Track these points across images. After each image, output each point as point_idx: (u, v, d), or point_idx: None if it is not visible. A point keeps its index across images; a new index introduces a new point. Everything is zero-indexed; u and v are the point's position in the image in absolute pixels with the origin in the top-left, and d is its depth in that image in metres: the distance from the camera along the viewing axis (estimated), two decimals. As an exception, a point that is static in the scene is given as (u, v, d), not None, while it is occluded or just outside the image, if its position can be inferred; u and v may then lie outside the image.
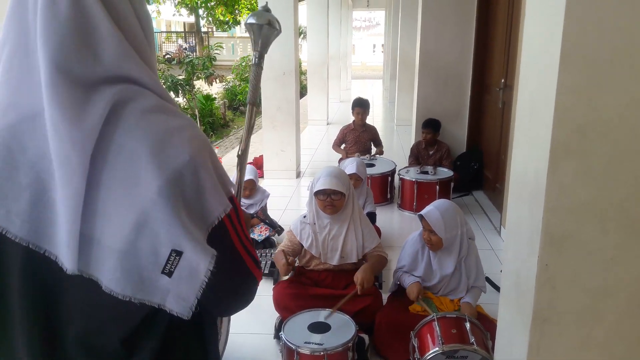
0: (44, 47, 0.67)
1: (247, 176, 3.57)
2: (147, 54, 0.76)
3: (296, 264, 2.69)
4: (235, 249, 0.79)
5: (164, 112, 0.73)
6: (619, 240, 1.38)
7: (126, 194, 0.68)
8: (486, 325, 2.19)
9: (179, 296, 0.71)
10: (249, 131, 1.41)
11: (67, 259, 0.69)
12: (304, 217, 2.69)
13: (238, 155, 1.43)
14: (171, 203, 0.68)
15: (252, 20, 1.39)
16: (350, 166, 3.69)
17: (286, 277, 2.76)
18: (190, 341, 0.82)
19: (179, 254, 0.69)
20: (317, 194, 2.57)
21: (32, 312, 0.74)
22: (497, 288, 2.86)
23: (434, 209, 2.47)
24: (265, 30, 1.38)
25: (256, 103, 1.41)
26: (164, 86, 7.49)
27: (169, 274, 0.70)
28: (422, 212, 2.51)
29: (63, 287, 0.73)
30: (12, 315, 0.75)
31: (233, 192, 0.80)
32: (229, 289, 0.80)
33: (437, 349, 2.01)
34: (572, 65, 1.25)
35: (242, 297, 0.84)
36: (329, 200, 2.56)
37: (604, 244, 1.39)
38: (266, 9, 1.42)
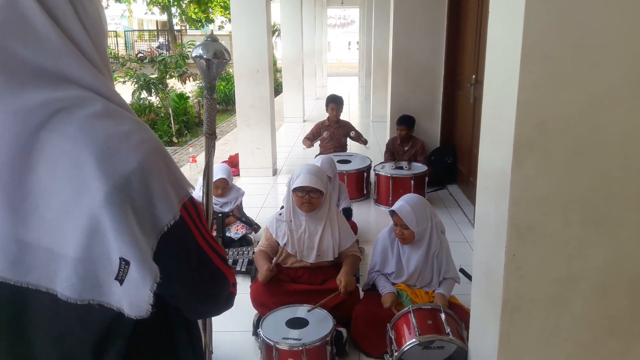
0: None
1: (220, 175, 3.55)
2: (92, 55, 0.73)
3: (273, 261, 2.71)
4: (201, 248, 0.78)
5: (111, 117, 0.70)
6: (581, 231, 1.44)
7: (74, 202, 0.66)
8: (461, 315, 2.24)
9: (132, 303, 0.70)
10: (210, 164, 1.38)
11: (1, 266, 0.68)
12: (280, 214, 2.71)
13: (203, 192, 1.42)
14: (118, 210, 0.67)
15: (199, 53, 1.35)
16: (317, 163, 3.68)
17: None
18: (159, 344, 0.81)
19: (127, 263, 0.68)
20: (296, 190, 2.58)
21: None
22: (471, 278, 2.93)
23: (404, 203, 2.51)
24: (214, 63, 1.35)
25: (214, 134, 1.38)
26: (138, 85, 7.31)
27: (121, 281, 0.69)
28: (393, 208, 2.54)
29: (21, 293, 0.71)
30: None
31: (191, 192, 0.79)
32: (199, 289, 0.80)
33: (414, 340, 2.05)
34: (532, 64, 1.30)
35: (216, 298, 0.84)
36: (307, 198, 2.57)
37: (568, 235, 1.45)
38: (213, 39, 1.38)
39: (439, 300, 2.39)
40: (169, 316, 0.78)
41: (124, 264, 0.68)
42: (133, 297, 0.70)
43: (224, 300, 0.86)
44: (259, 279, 2.51)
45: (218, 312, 0.88)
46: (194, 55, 1.37)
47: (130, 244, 0.68)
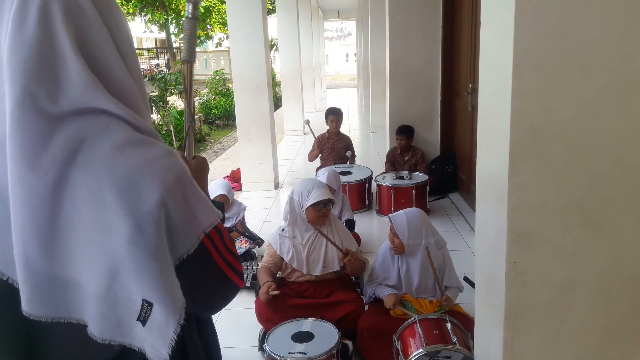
0: (8, 71, 0.66)
1: (220, 191, 3.57)
2: (126, 82, 0.73)
3: (277, 275, 2.71)
4: (219, 268, 0.78)
5: (134, 145, 0.70)
6: (580, 235, 1.45)
7: (98, 238, 0.66)
8: (466, 324, 2.24)
9: (152, 346, 0.70)
10: (189, 92, 1.29)
11: (25, 300, 0.68)
12: (282, 230, 2.72)
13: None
14: (141, 251, 0.66)
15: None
16: (322, 177, 3.69)
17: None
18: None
19: (150, 304, 0.67)
20: (314, 206, 2.60)
21: (14, 341, 0.74)
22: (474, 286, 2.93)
23: (402, 214, 2.54)
24: None
25: (193, 60, 1.25)
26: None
27: (143, 322, 0.68)
28: (391, 215, 2.58)
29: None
30: None
31: (218, 220, 0.77)
32: (209, 299, 0.81)
33: (420, 350, 2.05)
34: (524, 71, 1.32)
35: (222, 302, 0.84)
36: (323, 211, 2.61)
37: (567, 240, 1.45)
38: None
39: (448, 301, 2.41)
40: (184, 331, 0.78)
41: (147, 305, 0.67)
42: (155, 339, 0.69)
43: (225, 303, 0.86)
44: (260, 297, 2.52)
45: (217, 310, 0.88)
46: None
47: (153, 285, 0.67)
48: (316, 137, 5.36)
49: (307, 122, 5.71)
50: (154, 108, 8.39)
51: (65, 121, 0.67)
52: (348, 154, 5.18)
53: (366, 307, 2.64)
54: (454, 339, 2.06)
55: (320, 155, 5.32)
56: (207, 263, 0.76)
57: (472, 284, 3.01)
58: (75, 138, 0.67)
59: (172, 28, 18.29)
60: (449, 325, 2.14)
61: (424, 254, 2.47)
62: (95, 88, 0.69)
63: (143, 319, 0.68)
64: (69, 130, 0.67)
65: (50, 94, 0.67)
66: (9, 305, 0.72)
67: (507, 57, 1.33)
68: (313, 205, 2.59)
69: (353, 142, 5.53)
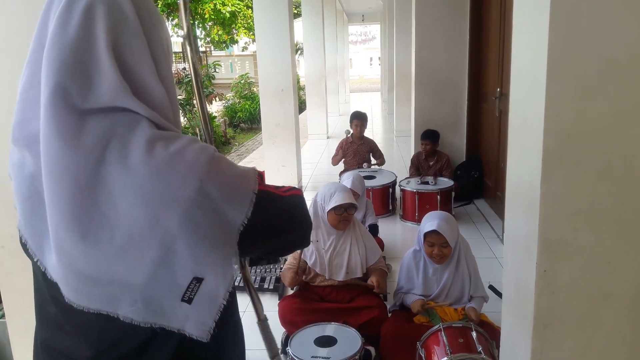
0: (44, 67, 0.69)
1: None
2: (155, 90, 0.76)
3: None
4: (273, 195, 0.84)
5: (162, 139, 0.72)
6: (614, 246, 1.41)
7: (142, 233, 0.69)
8: (491, 334, 2.20)
9: (198, 321, 0.73)
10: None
11: (65, 290, 0.72)
12: (306, 233, 2.71)
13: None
14: (192, 233, 0.70)
15: None
16: (347, 181, 3.68)
17: (292, 292, 2.79)
18: (204, 352, 0.83)
19: (199, 280, 0.71)
20: (335, 209, 2.59)
21: (50, 316, 0.78)
22: (501, 295, 2.88)
23: (441, 222, 2.44)
24: None
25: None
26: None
27: (189, 300, 0.72)
28: (433, 228, 2.43)
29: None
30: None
31: (255, 176, 0.81)
32: (291, 226, 0.87)
33: (445, 358, 2.02)
34: (559, 77, 1.29)
35: (303, 222, 0.90)
36: (345, 215, 2.59)
37: (600, 250, 1.41)
38: None
39: (472, 313, 2.36)
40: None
41: (195, 282, 0.71)
42: (201, 312, 0.73)
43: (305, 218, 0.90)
44: (286, 283, 2.52)
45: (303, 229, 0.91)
46: None
47: (206, 261, 0.71)
48: (343, 140, 5.35)
49: (348, 132, 5.58)
50: (180, 111, 8.51)
51: (93, 117, 0.70)
52: (365, 165, 5.12)
53: (389, 314, 2.62)
54: (479, 348, 2.02)
55: (343, 159, 5.32)
56: (271, 205, 0.81)
57: (498, 293, 2.96)
58: (105, 136, 0.70)
59: (198, 32, 18.54)
60: (474, 334, 2.11)
61: (455, 257, 2.46)
62: (123, 91, 0.71)
63: (189, 297, 0.71)
64: (97, 127, 0.70)
65: (81, 92, 0.69)
66: (45, 284, 0.77)
67: (541, 62, 1.30)
68: (334, 209, 2.59)
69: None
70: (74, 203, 0.68)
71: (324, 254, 2.62)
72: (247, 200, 0.76)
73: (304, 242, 0.92)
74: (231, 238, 0.74)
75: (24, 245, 0.77)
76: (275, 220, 0.83)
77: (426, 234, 2.47)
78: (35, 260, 0.74)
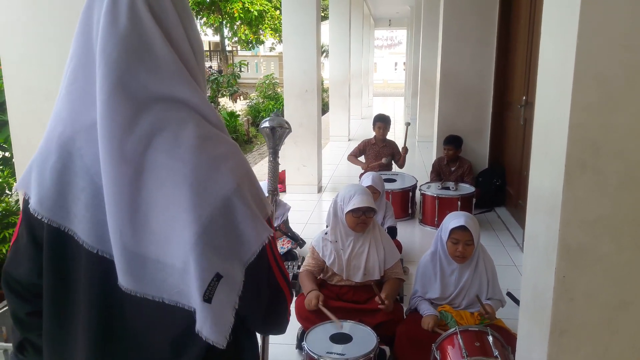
0: (101, 62, 0.73)
1: (265, 192, 3.65)
2: (199, 78, 0.80)
3: (318, 277, 2.75)
4: (272, 271, 0.85)
5: (211, 139, 0.78)
6: (634, 254, 1.41)
7: (180, 218, 0.73)
8: (507, 340, 2.20)
9: (214, 323, 0.75)
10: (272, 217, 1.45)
11: (121, 275, 0.75)
12: (326, 233, 2.74)
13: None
14: (219, 228, 0.74)
15: (265, 125, 1.65)
16: (367, 179, 3.70)
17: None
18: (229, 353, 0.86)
19: (219, 278, 0.75)
20: (353, 212, 2.61)
21: (95, 309, 0.80)
22: (519, 303, 2.87)
23: (467, 219, 2.48)
24: (277, 132, 1.65)
25: (276, 192, 1.62)
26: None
27: (209, 300, 0.74)
28: (462, 224, 2.46)
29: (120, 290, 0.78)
30: (75, 309, 0.81)
31: (269, 213, 0.85)
32: (264, 307, 0.86)
33: (461, 361, 2.03)
34: (585, 85, 1.30)
35: (278, 314, 0.89)
36: (363, 218, 2.61)
37: (620, 259, 1.42)
38: (277, 115, 1.70)
39: (488, 307, 2.39)
40: (237, 335, 0.83)
41: (215, 280, 0.75)
42: (218, 311, 0.75)
43: (282, 317, 0.91)
44: (306, 306, 2.53)
45: (279, 328, 0.93)
46: (261, 127, 1.64)
47: (227, 259, 0.76)
48: (366, 140, 5.37)
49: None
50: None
51: (150, 106, 0.74)
52: (385, 160, 5.14)
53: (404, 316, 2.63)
54: (496, 352, 2.03)
55: (363, 156, 5.32)
56: (264, 263, 0.82)
57: (515, 301, 2.95)
58: (157, 125, 0.74)
59: (225, 31, 18.77)
60: (490, 339, 2.11)
61: (475, 258, 2.49)
62: (182, 78, 0.76)
63: (208, 296, 0.74)
64: (152, 115, 0.74)
65: (140, 82, 0.74)
66: (98, 276, 0.79)
67: (568, 69, 1.32)
68: (352, 211, 2.60)
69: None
70: (132, 186, 0.73)
71: (342, 255, 2.64)
72: (267, 225, 0.81)
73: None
74: (240, 261, 0.78)
75: (57, 236, 0.79)
76: (260, 286, 0.84)
77: (452, 230, 2.49)
78: (95, 251, 0.77)
